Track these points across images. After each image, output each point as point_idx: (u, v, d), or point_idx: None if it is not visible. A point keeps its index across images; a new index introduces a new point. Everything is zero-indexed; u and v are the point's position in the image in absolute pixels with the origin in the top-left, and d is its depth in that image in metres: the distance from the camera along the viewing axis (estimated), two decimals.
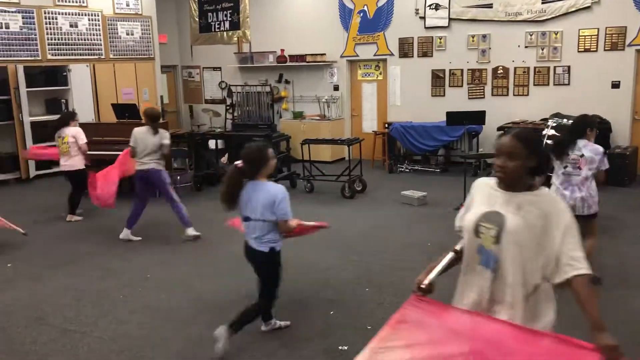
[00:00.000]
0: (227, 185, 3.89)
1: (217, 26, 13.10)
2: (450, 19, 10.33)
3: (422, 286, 2.58)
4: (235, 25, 12.80)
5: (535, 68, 9.79)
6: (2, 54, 9.88)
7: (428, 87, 10.78)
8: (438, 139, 9.89)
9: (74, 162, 7.35)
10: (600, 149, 4.82)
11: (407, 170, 10.23)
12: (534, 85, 9.84)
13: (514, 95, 10.04)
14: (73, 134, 7.32)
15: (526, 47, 9.80)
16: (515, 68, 9.94)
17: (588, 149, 4.80)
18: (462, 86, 10.46)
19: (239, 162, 3.84)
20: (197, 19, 13.36)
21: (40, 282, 5.32)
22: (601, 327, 2.16)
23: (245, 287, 4.74)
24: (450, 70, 10.52)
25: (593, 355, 2.09)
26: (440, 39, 10.50)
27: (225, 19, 12.95)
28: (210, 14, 13.14)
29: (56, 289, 5.17)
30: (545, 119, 8.48)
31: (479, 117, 8.78)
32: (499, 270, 2.41)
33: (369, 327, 4.25)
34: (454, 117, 8.75)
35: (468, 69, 10.35)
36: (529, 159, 2.38)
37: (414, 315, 2.50)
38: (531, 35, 9.72)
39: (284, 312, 4.53)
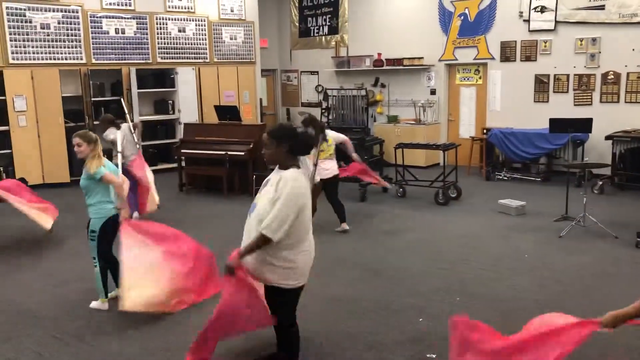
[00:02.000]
0: None
1: (316, 31, 13.36)
2: (556, 22, 9.86)
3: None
4: (333, 30, 12.98)
5: None
6: (118, 57, 10.63)
7: (530, 93, 10.35)
8: (540, 147, 9.46)
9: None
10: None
11: (506, 178, 9.88)
12: None
13: (625, 102, 9.41)
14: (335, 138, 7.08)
15: None
16: (628, 73, 9.31)
17: None
18: (567, 92, 9.94)
19: None
20: (297, 24, 13.69)
21: None
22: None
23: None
24: (555, 75, 10.04)
25: None
26: (545, 42, 10.05)
27: (324, 23, 13.17)
28: (310, 18, 13.42)
29: None
30: None
31: (585, 125, 8.29)
32: (245, 237, 3.47)
33: None
34: (557, 124, 8.33)
35: (575, 74, 9.83)
36: (280, 146, 3.32)
37: None
38: None
39: (371, 316, 4.53)
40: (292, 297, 3.51)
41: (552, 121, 8.39)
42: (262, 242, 3.26)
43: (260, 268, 3.40)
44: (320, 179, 6.66)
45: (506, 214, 7.56)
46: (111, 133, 7.25)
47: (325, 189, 6.85)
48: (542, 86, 10.22)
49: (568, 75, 9.90)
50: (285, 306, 3.53)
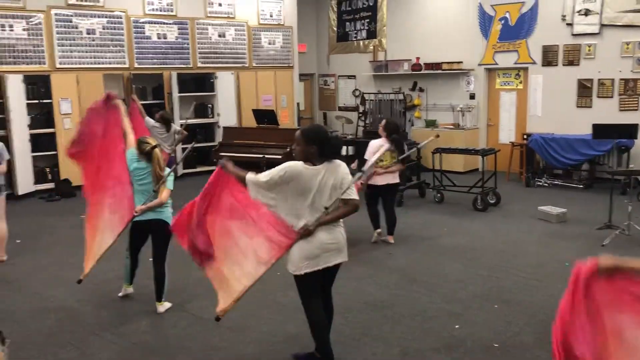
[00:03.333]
0: None
1: (354, 35, 13.37)
2: (601, 25, 9.63)
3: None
4: (372, 34, 12.97)
5: None
6: (159, 61, 10.86)
7: (573, 98, 10.12)
8: (582, 153, 9.24)
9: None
10: None
11: (546, 184, 9.68)
12: None
13: None
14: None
15: None
16: None
17: None
18: (612, 97, 9.69)
19: None
20: (335, 29, 13.73)
21: (182, 272, 5.73)
22: None
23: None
24: (599, 79, 9.79)
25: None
26: (589, 46, 9.82)
27: (362, 27, 13.18)
28: (348, 23, 13.44)
29: (195, 279, 5.55)
30: None
31: (630, 131, 8.08)
32: None
33: (496, 345, 4.09)
34: (601, 130, 8.14)
35: (620, 79, 9.56)
36: (308, 146, 3.47)
37: None
38: None
39: (407, 322, 4.50)
40: (297, 283, 3.64)
41: (596, 127, 8.20)
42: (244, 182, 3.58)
43: None
44: (377, 185, 6.42)
45: (546, 221, 7.41)
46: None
47: (383, 196, 6.59)
48: (585, 91, 9.98)
49: (613, 80, 9.64)
50: (298, 290, 3.70)
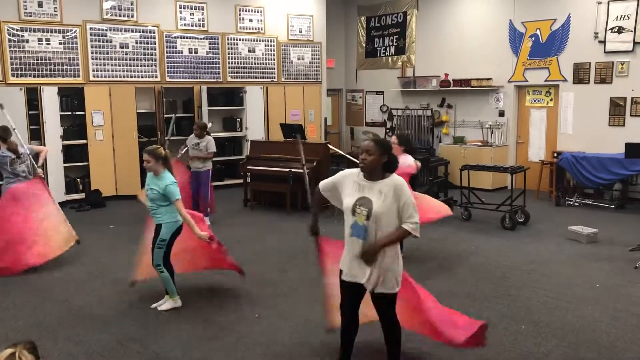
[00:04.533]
0: None
1: (382, 51, 13.40)
2: (635, 43, 9.47)
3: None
4: (400, 50, 12.98)
5: None
6: (190, 75, 11.04)
7: (605, 116, 9.95)
8: (614, 172, 9.05)
9: None
10: None
11: (577, 204, 9.50)
12: None
13: None
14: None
15: None
16: None
17: None
18: None
19: None
20: (364, 45, 13.79)
21: (209, 286, 5.75)
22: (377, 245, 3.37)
23: None
24: (632, 98, 9.61)
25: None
26: (622, 64, 9.66)
27: (391, 44, 13.20)
28: (377, 39, 13.48)
29: (221, 292, 5.57)
30: None
31: None
32: (367, 238, 3.40)
33: None
34: (634, 149, 7.95)
35: None
36: (382, 156, 3.43)
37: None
38: None
39: (432, 341, 4.43)
40: (394, 299, 3.63)
41: (629, 146, 8.02)
42: (403, 236, 3.48)
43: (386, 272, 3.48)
44: None
45: (577, 242, 7.26)
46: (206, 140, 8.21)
47: None
48: (617, 109, 9.80)
49: None
50: (393, 307, 3.65)
